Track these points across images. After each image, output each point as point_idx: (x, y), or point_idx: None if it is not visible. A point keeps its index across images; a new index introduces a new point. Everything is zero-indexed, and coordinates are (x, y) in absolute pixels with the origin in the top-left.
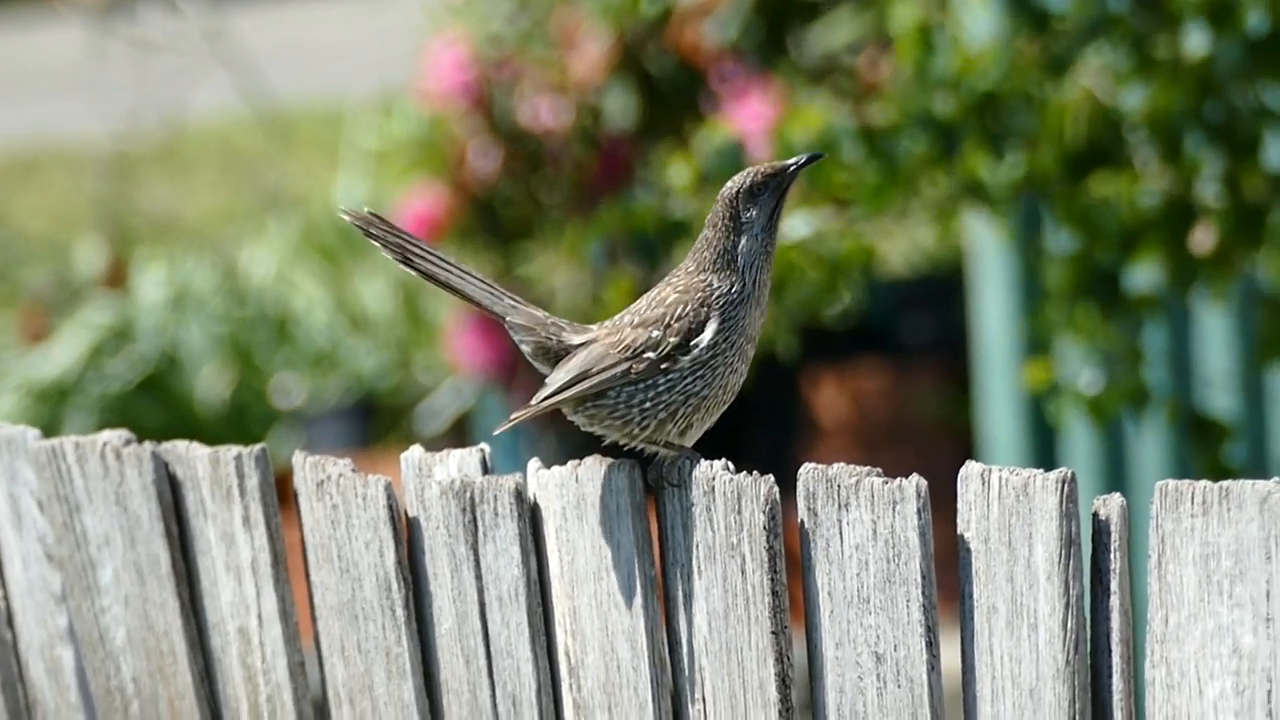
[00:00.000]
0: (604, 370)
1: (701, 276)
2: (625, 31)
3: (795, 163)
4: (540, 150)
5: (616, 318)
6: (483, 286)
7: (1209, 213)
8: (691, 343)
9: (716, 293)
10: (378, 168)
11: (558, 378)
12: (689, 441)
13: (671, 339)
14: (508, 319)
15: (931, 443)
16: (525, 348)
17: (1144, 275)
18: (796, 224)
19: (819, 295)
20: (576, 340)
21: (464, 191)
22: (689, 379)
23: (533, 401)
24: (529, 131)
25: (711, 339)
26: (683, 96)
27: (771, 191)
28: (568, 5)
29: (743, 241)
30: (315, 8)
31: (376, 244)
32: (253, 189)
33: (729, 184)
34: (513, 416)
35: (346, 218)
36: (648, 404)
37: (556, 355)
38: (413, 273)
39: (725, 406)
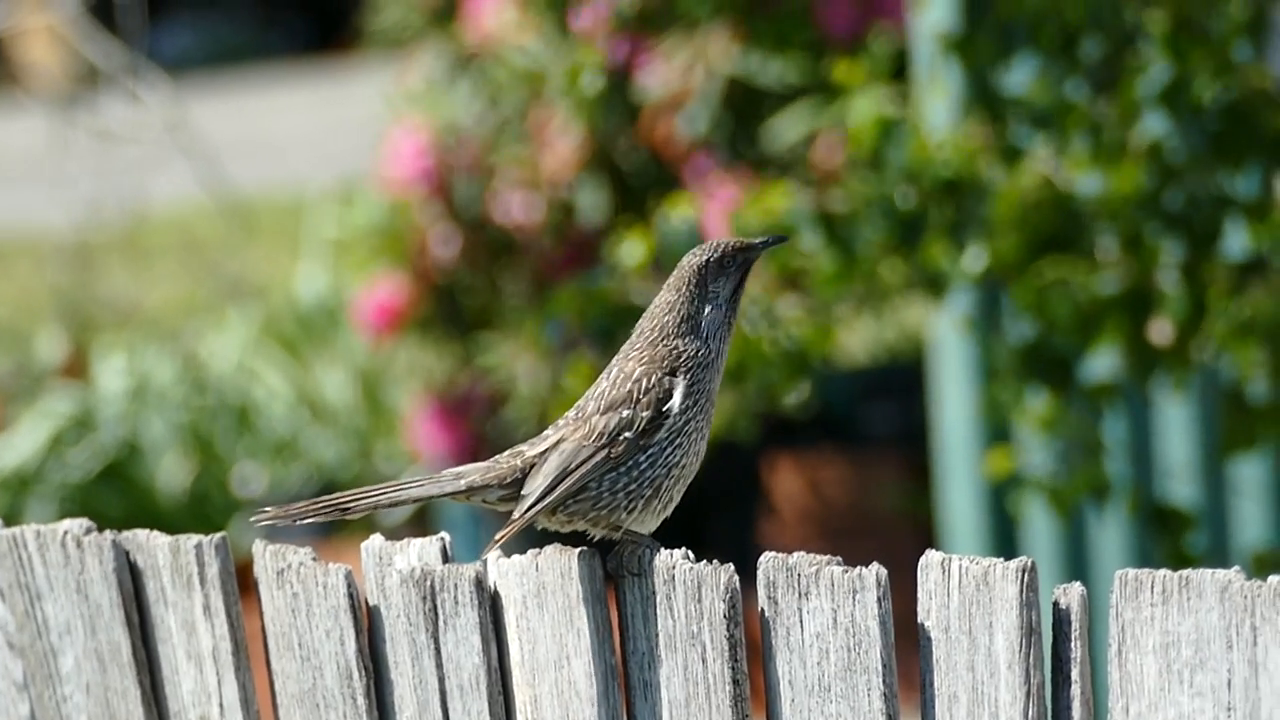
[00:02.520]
0: (584, 463)
1: (665, 344)
2: (596, 127)
3: (764, 241)
4: (502, 238)
5: (574, 411)
6: (425, 483)
7: (1166, 301)
8: (664, 409)
9: (683, 355)
10: (338, 257)
11: (535, 485)
12: (656, 523)
13: (644, 413)
14: (465, 489)
15: (892, 531)
16: (495, 499)
17: (1103, 363)
18: (754, 312)
19: (780, 382)
20: (538, 449)
21: (425, 280)
22: (669, 450)
23: (514, 515)
24: (490, 219)
25: (682, 401)
26: (654, 191)
27: (738, 266)
28: (539, 103)
29: (708, 310)
30: (275, 99)
31: (310, 520)
32: (213, 278)
33: (696, 254)
34: (498, 537)
35: (265, 523)
36: (632, 486)
37: (523, 480)
38: (355, 518)
39: (695, 473)
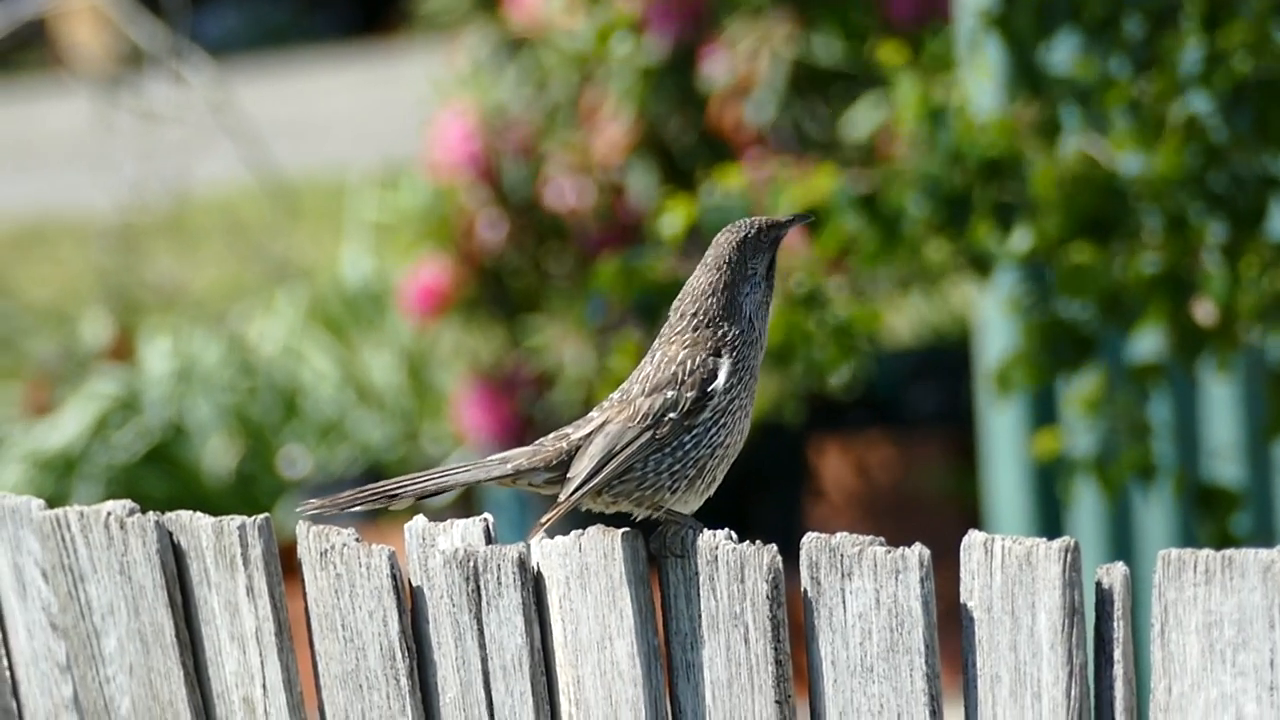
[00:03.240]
0: (629, 445)
1: (709, 326)
2: (647, 109)
3: (791, 218)
4: (550, 221)
5: (619, 393)
6: (471, 468)
7: (1209, 282)
8: (709, 389)
9: (727, 335)
10: (383, 240)
11: (581, 468)
12: (699, 502)
13: (689, 394)
14: (511, 473)
15: (938, 513)
16: (540, 482)
17: (1148, 344)
18: (801, 293)
19: (826, 362)
20: (583, 432)
21: (471, 263)
22: (713, 430)
23: (560, 498)
24: (539, 203)
25: (726, 380)
26: (705, 172)
27: (771, 244)
28: (590, 86)
29: (746, 289)
30: (320, 79)
31: (359, 510)
32: (259, 260)
33: (729, 233)
34: (543, 521)
35: (311, 513)
36: (676, 466)
37: (568, 462)
38: (401, 506)
39: (739, 452)
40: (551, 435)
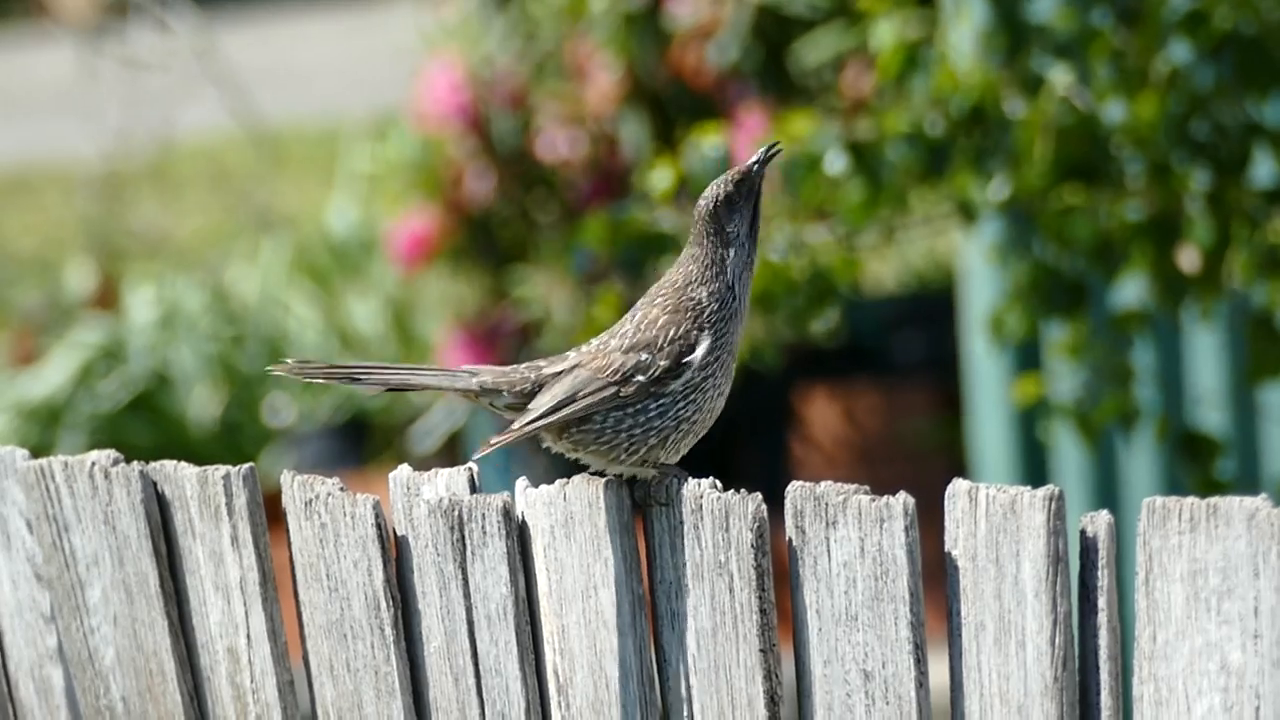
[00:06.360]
0: (591, 394)
1: (690, 294)
2: (633, 58)
3: (756, 160)
4: (539, 172)
5: (598, 341)
6: (439, 374)
7: (1193, 229)
8: (683, 362)
9: (708, 310)
10: (370, 190)
11: (542, 402)
12: (672, 461)
13: (662, 362)
14: (476, 388)
15: (925, 461)
16: (503, 405)
17: (1132, 291)
18: (780, 242)
19: (807, 310)
20: (555, 369)
21: (459, 213)
22: (681, 404)
23: (514, 425)
24: (529, 154)
25: (703, 358)
26: (693, 121)
27: (746, 197)
28: (578, 36)
29: (730, 253)
30: (304, 27)
31: (320, 381)
32: (243, 208)
33: (704, 198)
34: (494, 441)
35: (278, 372)
36: (636, 430)
37: (534, 394)
38: (366, 390)
39: (708, 429)
40: (525, 364)
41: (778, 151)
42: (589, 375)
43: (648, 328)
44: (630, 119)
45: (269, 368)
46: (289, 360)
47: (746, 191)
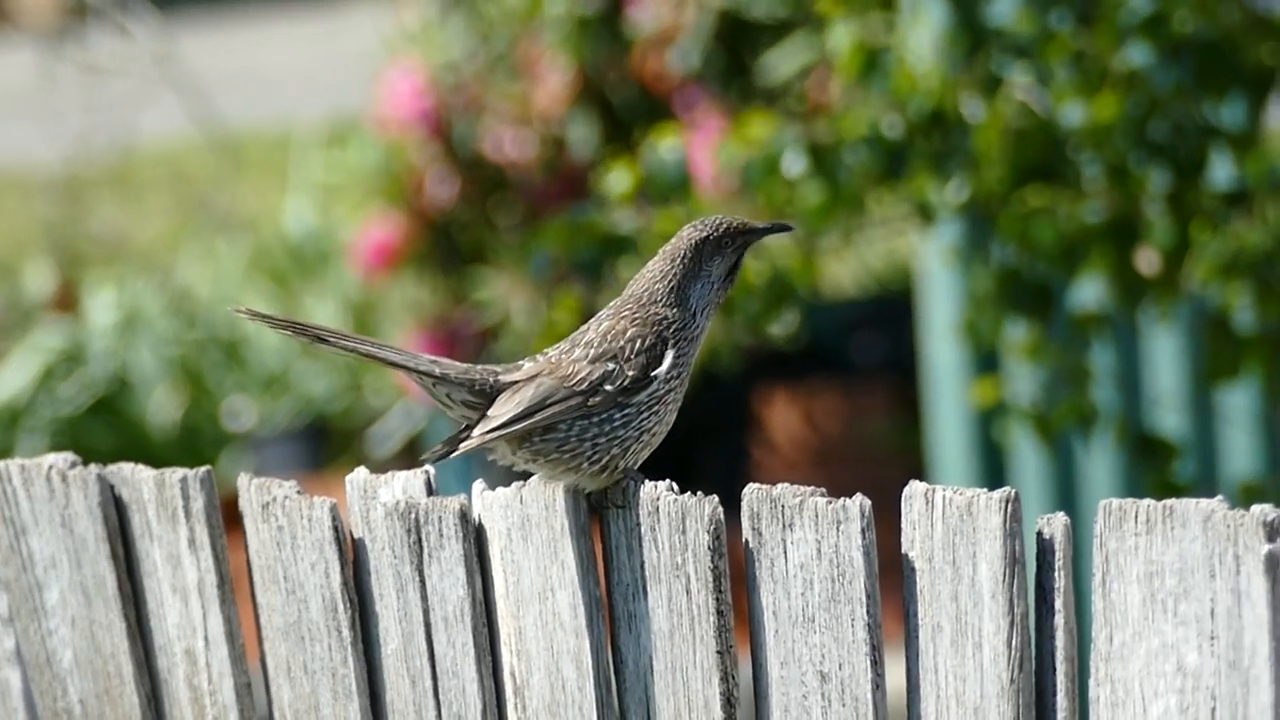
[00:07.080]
0: (558, 402)
1: (655, 309)
2: (585, 60)
3: (766, 226)
4: (496, 174)
5: (556, 351)
6: (403, 354)
7: (1152, 231)
8: (651, 373)
9: (672, 326)
10: (328, 194)
11: (505, 410)
12: (609, 481)
13: (630, 372)
14: (437, 374)
15: (883, 462)
16: (459, 400)
17: (1091, 292)
18: None
19: (766, 312)
20: (512, 378)
21: (421, 218)
22: (644, 414)
23: (476, 432)
24: (485, 157)
25: (668, 371)
26: (645, 124)
27: (736, 248)
28: (530, 38)
29: (698, 286)
30: (264, 32)
31: (286, 333)
32: (203, 212)
33: (697, 228)
34: (460, 447)
35: (242, 314)
36: (600, 439)
37: (490, 398)
38: (330, 350)
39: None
40: (481, 366)
41: (789, 229)
42: (554, 384)
43: (614, 339)
44: (580, 121)
45: (231, 308)
46: (253, 309)
47: (739, 244)
